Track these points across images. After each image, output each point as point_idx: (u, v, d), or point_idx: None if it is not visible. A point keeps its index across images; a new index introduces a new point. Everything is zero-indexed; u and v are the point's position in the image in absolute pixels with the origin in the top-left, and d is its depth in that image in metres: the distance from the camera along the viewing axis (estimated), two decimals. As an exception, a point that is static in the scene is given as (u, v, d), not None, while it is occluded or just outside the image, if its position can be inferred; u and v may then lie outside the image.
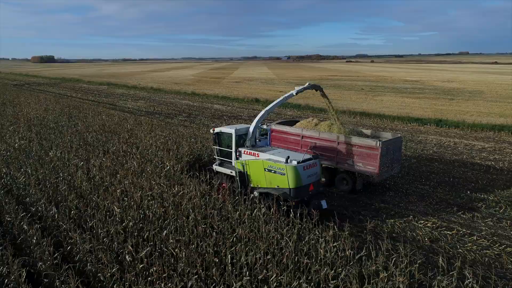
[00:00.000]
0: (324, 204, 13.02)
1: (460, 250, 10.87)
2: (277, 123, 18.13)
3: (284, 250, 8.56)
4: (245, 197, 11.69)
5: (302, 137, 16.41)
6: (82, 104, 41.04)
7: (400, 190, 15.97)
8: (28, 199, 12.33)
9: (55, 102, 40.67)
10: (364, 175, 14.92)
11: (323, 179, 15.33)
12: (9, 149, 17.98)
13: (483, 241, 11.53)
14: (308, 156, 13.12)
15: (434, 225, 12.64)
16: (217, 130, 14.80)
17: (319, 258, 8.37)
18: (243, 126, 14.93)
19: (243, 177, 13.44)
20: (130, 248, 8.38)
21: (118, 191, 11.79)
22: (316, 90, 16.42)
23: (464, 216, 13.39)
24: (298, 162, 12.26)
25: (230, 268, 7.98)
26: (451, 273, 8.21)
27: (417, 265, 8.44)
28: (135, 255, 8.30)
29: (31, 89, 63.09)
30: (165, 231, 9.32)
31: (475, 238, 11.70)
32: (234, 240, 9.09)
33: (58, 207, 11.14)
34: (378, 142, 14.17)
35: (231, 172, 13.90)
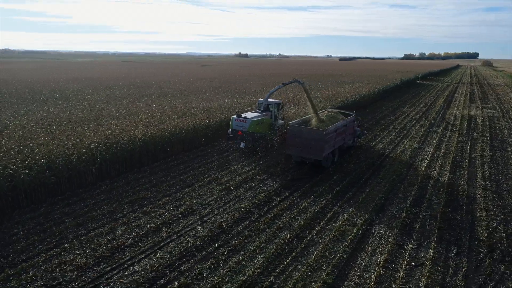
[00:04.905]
0: (242, 145, 21.56)
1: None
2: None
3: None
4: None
5: None
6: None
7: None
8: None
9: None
10: None
11: None
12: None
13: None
14: (244, 116, 22.11)
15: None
16: None
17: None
18: (262, 99, 24.84)
19: None
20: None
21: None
22: (299, 84, 22.82)
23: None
24: (236, 116, 22.14)
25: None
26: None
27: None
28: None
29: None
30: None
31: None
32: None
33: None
34: (289, 125, 19.96)
35: None
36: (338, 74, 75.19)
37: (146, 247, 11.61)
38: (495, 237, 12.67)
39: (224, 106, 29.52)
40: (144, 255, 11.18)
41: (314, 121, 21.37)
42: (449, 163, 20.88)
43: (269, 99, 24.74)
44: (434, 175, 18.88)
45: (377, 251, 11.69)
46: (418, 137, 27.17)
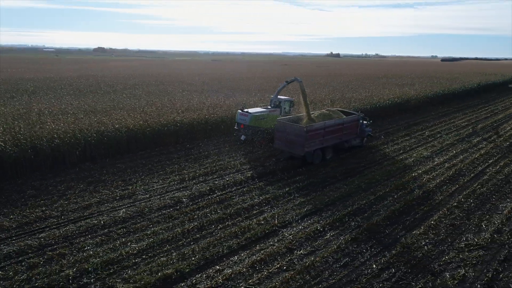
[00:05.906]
0: (242, 137, 23.47)
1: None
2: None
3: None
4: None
5: None
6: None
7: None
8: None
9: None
10: None
11: None
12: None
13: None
14: (246, 111, 23.41)
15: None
16: None
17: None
18: (272, 96, 25.69)
19: None
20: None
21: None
22: (298, 82, 22.84)
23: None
24: (240, 111, 23.62)
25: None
26: None
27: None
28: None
29: None
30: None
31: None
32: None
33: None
34: (276, 120, 20.79)
35: None
36: (407, 76, 69.25)
37: (65, 219, 13.28)
38: (408, 257, 11.41)
39: (238, 103, 30.31)
40: (57, 226, 12.84)
41: (305, 119, 21.21)
42: (446, 175, 18.71)
43: (280, 96, 25.52)
44: (412, 186, 17.25)
45: (261, 252, 11.55)
46: (439, 146, 24.51)
